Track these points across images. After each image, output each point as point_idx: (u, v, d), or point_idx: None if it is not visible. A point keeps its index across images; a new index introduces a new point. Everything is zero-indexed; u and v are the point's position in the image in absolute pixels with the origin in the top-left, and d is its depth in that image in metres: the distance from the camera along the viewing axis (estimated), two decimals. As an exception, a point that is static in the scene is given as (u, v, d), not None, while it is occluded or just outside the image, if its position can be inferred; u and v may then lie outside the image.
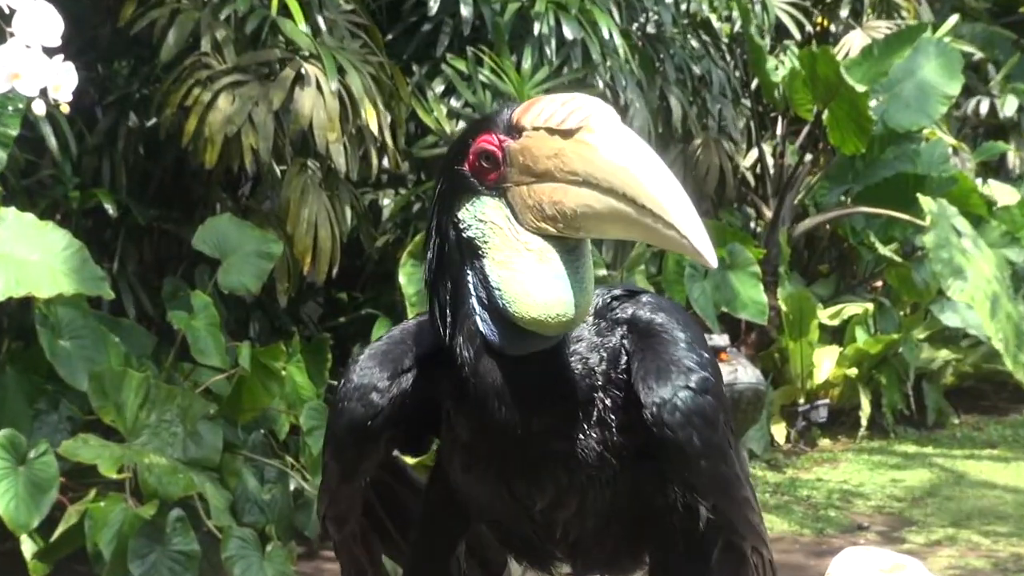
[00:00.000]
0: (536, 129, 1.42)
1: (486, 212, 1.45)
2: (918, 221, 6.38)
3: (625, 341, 1.52)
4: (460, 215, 1.47)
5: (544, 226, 1.43)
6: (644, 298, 1.57)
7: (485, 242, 1.45)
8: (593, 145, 1.39)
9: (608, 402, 1.50)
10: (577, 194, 1.40)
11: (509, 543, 1.71)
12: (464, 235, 1.46)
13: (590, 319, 1.53)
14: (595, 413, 1.50)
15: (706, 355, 1.52)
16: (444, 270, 1.48)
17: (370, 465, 1.63)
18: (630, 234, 1.43)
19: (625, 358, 1.51)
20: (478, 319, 1.45)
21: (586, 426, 1.50)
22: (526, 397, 1.45)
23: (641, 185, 1.37)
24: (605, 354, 1.50)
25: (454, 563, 1.74)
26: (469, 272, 1.46)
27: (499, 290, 1.43)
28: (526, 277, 1.42)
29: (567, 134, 1.40)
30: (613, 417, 1.50)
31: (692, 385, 1.47)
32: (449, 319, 1.47)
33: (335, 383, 4.53)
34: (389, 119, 4.61)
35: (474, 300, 1.45)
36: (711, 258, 1.36)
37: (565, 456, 1.51)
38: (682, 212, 1.36)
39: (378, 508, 1.80)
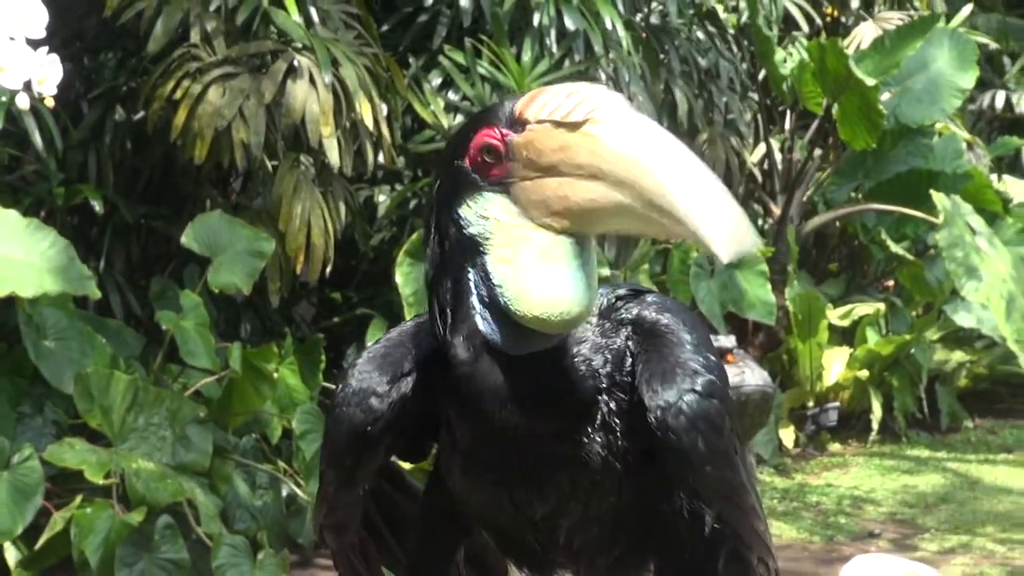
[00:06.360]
0: (540, 122, 1.39)
1: (488, 208, 1.42)
2: (931, 218, 6.31)
3: (630, 342, 1.49)
4: (461, 212, 1.44)
5: (550, 222, 1.40)
6: (649, 298, 1.54)
7: (488, 239, 1.42)
8: (600, 137, 1.35)
9: (612, 405, 1.47)
10: (584, 188, 1.36)
11: (509, 550, 1.67)
12: (466, 232, 1.44)
13: (594, 319, 1.50)
14: (599, 416, 1.47)
15: (712, 358, 1.49)
16: (445, 269, 1.46)
17: (369, 472, 1.61)
18: (640, 228, 1.39)
19: (630, 360, 1.48)
20: (478, 317, 1.42)
21: (590, 429, 1.47)
22: (526, 398, 1.42)
23: (650, 174, 1.31)
24: (609, 356, 1.48)
25: (453, 571, 1.72)
26: (471, 270, 1.44)
27: (501, 287, 1.40)
28: (529, 274, 1.39)
29: (573, 127, 1.36)
30: (618, 420, 1.48)
31: (698, 389, 1.44)
32: (449, 319, 1.44)
33: (329, 385, 4.49)
34: (385, 112, 4.56)
35: (475, 298, 1.43)
36: (723, 250, 1.29)
37: (568, 461, 1.48)
38: (694, 200, 1.29)
39: (375, 517, 1.77)
